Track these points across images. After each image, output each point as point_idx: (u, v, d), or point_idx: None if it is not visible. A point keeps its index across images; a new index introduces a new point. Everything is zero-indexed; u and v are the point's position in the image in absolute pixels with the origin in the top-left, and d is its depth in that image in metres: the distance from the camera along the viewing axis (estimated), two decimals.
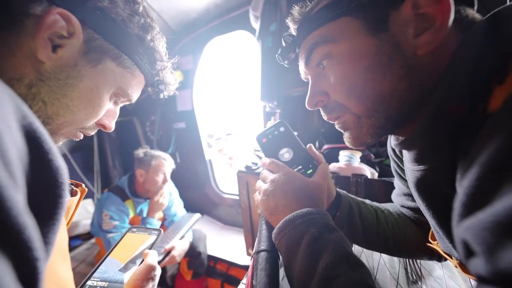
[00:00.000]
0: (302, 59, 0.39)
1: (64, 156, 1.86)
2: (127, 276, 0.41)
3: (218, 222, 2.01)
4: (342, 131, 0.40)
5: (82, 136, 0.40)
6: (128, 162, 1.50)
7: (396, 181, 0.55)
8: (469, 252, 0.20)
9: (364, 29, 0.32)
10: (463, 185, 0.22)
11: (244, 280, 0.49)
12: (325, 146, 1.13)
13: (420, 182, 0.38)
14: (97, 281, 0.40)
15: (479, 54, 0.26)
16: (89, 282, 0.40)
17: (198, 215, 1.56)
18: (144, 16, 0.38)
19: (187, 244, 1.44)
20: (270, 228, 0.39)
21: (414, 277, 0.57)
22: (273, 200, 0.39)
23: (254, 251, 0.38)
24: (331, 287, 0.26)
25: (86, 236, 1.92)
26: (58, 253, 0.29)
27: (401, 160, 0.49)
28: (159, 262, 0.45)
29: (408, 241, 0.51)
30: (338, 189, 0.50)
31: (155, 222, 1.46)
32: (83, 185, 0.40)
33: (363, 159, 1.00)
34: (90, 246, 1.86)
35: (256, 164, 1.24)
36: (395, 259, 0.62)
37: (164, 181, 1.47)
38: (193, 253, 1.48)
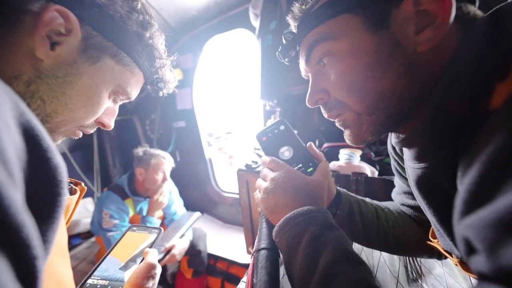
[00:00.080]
0: (302, 56, 0.39)
1: (64, 155, 1.86)
2: (127, 275, 0.41)
3: (218, 220, 2.01)
4: (342, 129, 0.39)
5: (81, 134, 0.40)
6: (128, 160, 1.50)
7: (396, 180, 0.55)
8: (470, 250, 0.20)
9: (364, 26, 0.32)
10: (464, 183, 0.22)
11: (245, 278, 0.49)
12: (325, 145, 1.13)
13: (421, 180, 0.38)
14: (98, 279, 0.40)
15: (480, 51, 0.26)
16: (89, 281, 0.40)
17: (198, 213, 1.56)
18: (142, 13, 0.38)
19: (187, 242, 1.44)
20: (270, 226, 0.39)
21: (414, 275, 0.57)
22: (273, 199, 0.39)
23: (254, 249, 0.38)
24: (331, 285, 0.26)
25: (87, 235, 1.92)
26: (57, 251, 0.29)
27: (401, 158, 0.49)
28: (159, 261, 0.45)
29: (408, 239, 0.51)
30: (338, 188, 0.50)
31: (155, 221, 1.46)
32: (83, 184, 0.40)
33: (363, 158, 1.00)
34: (91, 245, 1.87)
35: (256, 162, 1.24)
36: (395, 257, 0.63)
37: (164, 179, 1.47)
38: (193, 252, 1.48)
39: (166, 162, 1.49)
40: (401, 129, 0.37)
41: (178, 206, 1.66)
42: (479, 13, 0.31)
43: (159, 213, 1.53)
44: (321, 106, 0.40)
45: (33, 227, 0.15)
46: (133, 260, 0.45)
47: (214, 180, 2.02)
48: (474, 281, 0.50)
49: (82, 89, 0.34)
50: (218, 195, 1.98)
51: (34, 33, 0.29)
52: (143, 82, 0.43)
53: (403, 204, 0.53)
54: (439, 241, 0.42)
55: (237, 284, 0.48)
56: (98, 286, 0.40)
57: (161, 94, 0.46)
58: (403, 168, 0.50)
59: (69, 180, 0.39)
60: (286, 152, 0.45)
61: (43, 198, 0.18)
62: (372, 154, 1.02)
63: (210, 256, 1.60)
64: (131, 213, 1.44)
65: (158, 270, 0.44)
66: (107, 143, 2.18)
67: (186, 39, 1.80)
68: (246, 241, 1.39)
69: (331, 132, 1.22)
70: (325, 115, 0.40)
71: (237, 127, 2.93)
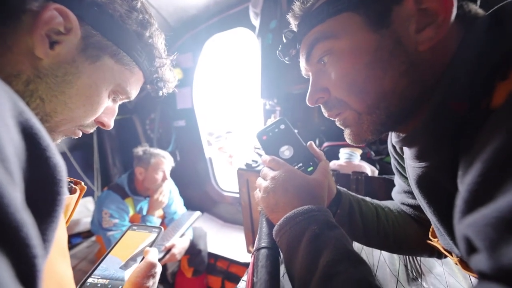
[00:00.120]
0: (303, 55, 0.39)
1: (64, 154, 1.86)
2: (128, 274, 0.42)
3: (218, 219, 2.02)
4: (342, 128, 0.39)
5: (80, 134, 0.40)
6: (128, 160, 1.51)
7: (397, 179, 0.55)
8: (471, 249, 0.20)
9: (365, 24, 0.31)
10: (465, 182, 0.22)
11: (245, 277, 0.49)
12: (326, 144, 1.13)
13: (421, 179, 0.38)
14: (98, 278, 0.40)
15: (482, 50, 0.26)
16: (90, 280, 0.40)
17: (198, 213, 1.56)
18: (142, 12, 0.38)
19: (187, 242, 1.45)
20: (270, 225, 0.39)
21: (414, 274, 0.57)
22: (274, 198, 0.38)
23: (254, 248, 0.38)
24: (332, 284, 0.26)
25: (87, 234, 1.93)
26: (57, 251, 0.29)
27: (402, 158, 0.49)
28: (159, 260, 0.45)
29: (408, 238, 0.51)
30: (338, 187, 0.50)
31: (155, 220, 1.46)
32: (82, 183, 0.40)
33: (364, 157, 1.00)
34: (91, 244, 1.87)
35: (256, 161, 1.24)
36: (395, 256, 0.63)
37: (164, 179, 1.47)
38: (193, 251, 1.48)
39: (166, 161, 1.49)
40: (401, 128, 0.37)
41: (178, 206, 1.66)
42: (480, 11, 0.31)
43: (159, 212, 1.53)
44: (321, 105, 0.40)
45: (32, 226, 0.15)
46: (133, 259, 0.45)
47: (214, 179, 2.02)
48: (474, 280, 0.50)
49: (81, 88, 0.34)
50: (218, 194, 1.98)
51: (33, 32, 0.29)
52: (142, 81, 0.43)
53: (403, 203, 0.53)
54: (439, 240, 0.42)
55: (237, 283, 0.48)
56: (99, 285, 0.40)
57: (161, 93, 0.46)
58: (403, 167, 0.50)
59: (69, 180, 0.39)
60: (286, 151, 0.45)
61: (43, 197, 0.18)
62: (372, 153, 1.02)
63: (211, 255, 1.60)
64: (131, 213, 1.44)
65: (159, 269, 0.44)
66: (107, 142, 2.18)
67: (186, 38, 1.80)
68: (246, 240, 1.39)
69: (331, 131, 1.22)
70: (325, 114, 0.40)
71: (237, 126, 2.93)
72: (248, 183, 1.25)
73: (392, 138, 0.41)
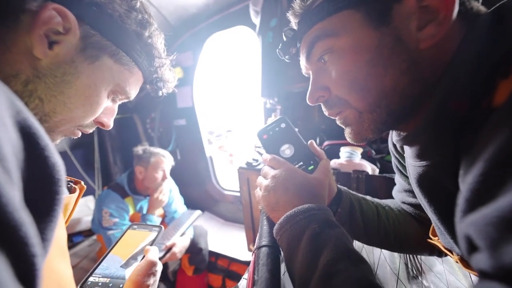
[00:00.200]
0: (303, 53, 0.39)
1: (65, 153, 1.86)
2: (128, 272, 0.42)
3: (219, 218, 2.02)
4: (343, 127, 0.39)
5: (80, 134, 0.40)
6: (129, 159, 1.51)
7: (397, 178, 0.55)
8: (472, 248, 0.20)
9: (365, 22, 0.31)
10: (467, 181, 0.22)
11: (246, 275, 0.49)
12: (326, 143, 1.13)
13: (422, 178, 0.38)
14: (99, 277, 0.41)
15: (483, 47, 0.26)
16: (91, 279, 0.40)
17: (198, 212, 1.56)
18: (141, 12, 0.38)
19: (188, 240, 1.45)
20: (271, 224, 0.39)
21: (415, 272, 0.58)
22: (274, 196, 0.38)
23: (255, 246, 0.38)
24: (332, 282, 0.26)
25: (88, 233, 1.94)
26: (57, 250, 0.29)
27: (402, 156, 0.49)
28: (160, 259, 0.45)
29: (409, 237, 0.51)
30: (339, 186, 0.50)
31: (155, 219, 1.46)
32: (82, 183, 0.40)
33: (364, 156, 1.00)
34: (92, 243, 1.88)
35: (256, 160, 1.24)
36: (396, 254, 0.63)
37: (164, 178, 1.47)
38: (194, 249, 1.49)
39: (166, 160, 1.49)
40: (402, 126, 0.36)
41: (178, 204, 1.66)
42: (482, 9, 0.30)
43: (159, 211, 1.54)
44: (321, 104, 0.40)
45: (31, 225, 0.15)
46: (134, 258, 0.45)
47: (215, 178, 2.03)
48: (474, 278, 0.50)
49: (80, 88, 0.34)
50: (219, 193, 1.98)
51: (32, 32, 0.29)
52: (142, 81, 0.43)
53: (403, 202, 0.53)
54: (439, 239, 0.42)
55: (238, 281, 0.48)
56: (100, 283, 0.40)
57: (160, 93, 0.46)
58: (404, 166, 0.50)
59: (68, 179, 0.39)
60: (287, 150, 0.45)
61: (41, 196, 0.18)
62: (373, 152, 1.02)
63: (211, 253, 1.60)
64: (131, 212, 1.44)
65: (159, 268, 0.44)
66: (108, 141, 2.18)
67: (186, 37, 1.80)
68: (247, 239, 1.39)
69: (331, 130, 1.22)
70: (326, 113, 0.40)
71: (237, 125, 2.94)
72: (249, 182, 1.25)
73: (393, 137, 0.41)
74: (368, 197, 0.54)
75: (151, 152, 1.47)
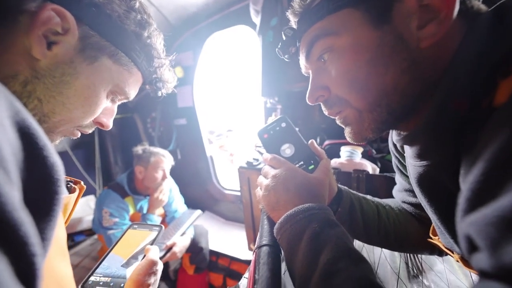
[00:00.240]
0: (302, 53, 0.39)
1: (66, 153, 1.86)
2: (129, 271, 0.42)
3: (219, 217, 2.03)
4: (343, 126, 0.39)
5: (79, 134, 0.40)
6: (130, 158, 1.51)
7: (397, 177, 0.55)
8: (472, 247, 0.20)
9: (366, 21, 0.31)
10: (467, 181, 0.22)
11: (247, 274, 0.49)
12: (326, 142, 1.13)
13: (422, 178, 0.38)
14: (100, 276, 0.41)
15: (484, 47, 0.26)
16: (92, 278, 0.40)
17: (199, 211, 1.57)
18: (140, 12, 0.37)
19: (188, 240, 1.45)
20: (271, 223, 0.39)
21: (415, 271, 0.58)
22: (275, 196, 0.38)
23: (256, 245, 0.38)
24: (332, 281, 0.26)
25: (90, 232, 1.94)
26: (56, 250, 0.29)
27: (403, 156, 0.49)
28: (160, 258, 0.45)
29: (410, 236, 0.51)
30: (339, 185, 0.50)
31: (155, 218, 1.46)
32: (82, 183, 0.40)
33: (365, 155, 1.00)
34: (94, 242, 1.89)
35: (257, 160, 1.24)
36: (396, 253, 0.63)
37: (164, 177, 1.47)
38: (195, 249, 1.49)
39: (166, 160, 1.49)
40: (403, 126, 0.36)
41: (179, 204, 1.66)
42: (483, 7, 0.30)
43: (159, 210, 1.54)
44: (321, 104, 0.40)
45: (31, 225, 0.15)
46: (134, 257, 0.45)
47: (216, 177, 2.03)
48: (475, 277, 0.50)
49: (79, 89, 0.34)
50: (219, 192, 1.98)
51: (31, 33, 0.29)
52: (141, 82, 0.43)
53: (404, 202, 0.53)
54: (440, 239, 0.42)
55: (239, 280, 0.48)
56: (101, 283, 0.40)
57: (160, 94, 0.46)
58: (404, 166, 0.50)
59: (68, 179, 0.39)
60: (287, 150, 0.45)
61: (41, 196, 0.18)
62: (374, 151, 1.02)
63: (212, 252, 1.61)
64: (132, 211, 1.45)
65: (160, 267, 0.44)
66: (109, 141, 2.19)
67: (186, 36, 1.80)
68: (248, 238, 1.40)
69: (332, 130, 1.22)
70: (326, 113, 0.40)
71: (238, 124, 2.94)
72: (249, 181, 1.25)
73: (393, 136, 0.41)
74: (369, 197, 0.54)
75: (151, 151, 1.46)
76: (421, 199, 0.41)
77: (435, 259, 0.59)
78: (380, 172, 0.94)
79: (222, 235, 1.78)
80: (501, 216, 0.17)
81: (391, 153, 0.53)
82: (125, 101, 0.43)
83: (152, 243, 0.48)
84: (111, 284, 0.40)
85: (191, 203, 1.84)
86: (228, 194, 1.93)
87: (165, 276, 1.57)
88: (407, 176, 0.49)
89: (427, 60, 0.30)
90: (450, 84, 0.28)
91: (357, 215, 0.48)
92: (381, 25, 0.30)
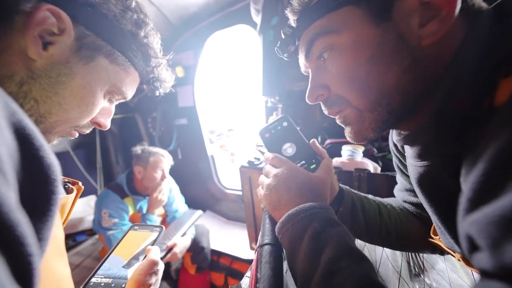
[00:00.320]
0: (302, 51, 0.38)
1: (67, 153, 1.87)
2: (130, 272, 0.42)
3: (220, 217, 2.03)
4: (343, 126, 0.39)
5: (77, 135, 0.40)
6: (131, 158, 1.51)
7: (398, 177, 0.55)
8: (473, 247, 0.20)
9: (367, 18, 0.31)
10: (469, 181, 0.22)
11: (248, 273, 0.49)
12: (328, 141, 1.13)
13: (423, 178, 0.37)
14: (102, 277, 0.41)
15: (485, 46, 0.26)
16: (93, 279, 0.41)
17: (199, 212, 1.56)
18: (137, 12, 0.37)
19: (189, 241, 1.45)
20: (273, 222, 0.39)
21: (417, 270, 0.57)
22: (276, 195, 0.38)
23: (258, 244, 0.38)
24: (334, 280, 0.26)
25: (91, 232, 1.95)
26: (54, 250, 0.29)
27: (403, 156, 0.49)
28: (161, 259, 0.45)
29: (411, 235, 0.51)
30: (340, 185, 0.50)
31: (155, 218, 1.46)
32: (80, 183, 0.40)
33: (366, 154, 1.00)
34: (95, 241, 1.90)
35: (258, 159, 1.24)
36: (398, 252, 0.63)
37: (163, 177, 1.46)
38: (196, 248, 1.49)
39: (165, 159, 1.48)
40: (403, 125, 0.36)
41: (179, 204, 1.66)
42: (484, 5, 0.30)
43: (160, 211, 1.54)
44: (321, 103, 0.39)
45: (27, 225, 0.15)
46: (135, 258, 0.45)
47: (217, 177, 2.03)
48: (476, 276, 0.50)
49: (75, 89, 0.34)
50: (220, 192, 1.98)
51: (26, 33, 0.29)
52: (138, 81, 0.42)
53: (405, 201, 0.53)
54: (440, 238, 0.42)
55: (240, 279, 0.48)
56: (102, 284, 0.40)
57: (157, 93, 0.45)
58: (405, 166, 0.49)
59: (66, 179, 0.39)
60: (289, 149, 0.45)
61: (38, 196, 0.18)
62: (375, 150, 1.01)
63: (214, 252, 1.61)
64: (131, 212, 1.44)
65: (161, 267, 0.44)
66: (110, 141, 2.19)
67: (187, 36, 1.80)
68: (249, 237, 1.40)
69: (333, 129, 1.21)
70: (326, 112, 0.39)
71: (238, 124, 2.94)
72: (251, 181, 1.25)
73: (393, 136, 0.41)
74: (370, 196, 0.54)
75: (149, 151, 1.46)
76: (422, 199, 0.41)
77: (436, 258, 0.59)
78: (381, 171, 0.94)
79: (223, 235, 1.79)
80: (502, 215, 0.17)
81: (392, 152, 0.52)
82: (122, 101, 0.42)
83: (153, 243, 0.48)
84: (113, 285, 0.40)
85: (192, 203, 1.85)
86: (229, 193, 1.93)
87: (166, 276, 1.57)
88: (408, 176, 0.49)
89: (428, 59, 0.30)
90: (452, 82, 0.28)
91: (358, 215, 0.48)
92: (382, 23, 0.30)
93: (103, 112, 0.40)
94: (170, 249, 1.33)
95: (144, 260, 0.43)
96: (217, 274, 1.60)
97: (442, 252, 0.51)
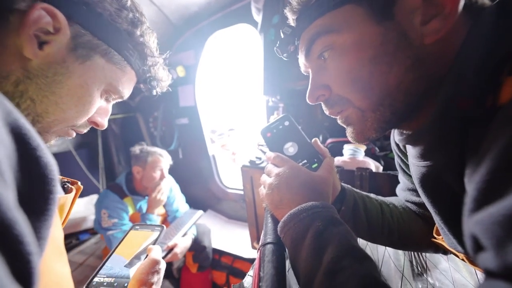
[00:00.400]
0: (302, 51, 0.38)
1: (70, 152, 1.88)
2: (132, 271, 0.42)
3: (222, 216, 2.03)
4: (344, 126, 0.39)
5: (74, 134, 0.40)
6: None
7: (400, 176, 0.54)
8: (477, 247, 0.20)
9: (368, 17, 0.30)
10: (473, 180, 0.21)
11: (251, 272, 0.49)
12: (329, 140, 1.12)
13: (425, 178, 0.37)
14: (104, 277, 0.41)
15: (488, 43, 0.25)
16: (96, 279, 0.41)
17: (200, 212, 1.56)
18: (132, 11, 0.37)
19: (190, 241, 1.45)
20: (275, 221, 0.39)
21: (420, 269, 0.57)
22: (278, 194, 0.38)
23: (260, 243, 0.38)
24: (336, 279, 0.26)
25: (94, 231, 1.97)
26: (53, 250, 0.29)
27: (405, 155, 0.48)
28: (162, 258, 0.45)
29: (413, 235, 0.51)
30: (342, 184, 0.49)
31: (155, 218, 1.46)
32: (79, 183, 0.40)
33: (368, 153, 0.99)
34: (98, 240, 1.91)
35: (260, 158, 1.24)
36: (400, 251, 0.62)
37: (162, 177, 1.46)
38: (198, 247, 1.50)
39: (163, 159, 1.48)
40: (406, 125, 0.36)
41: (180, 203, 1.66)
42: (486, 1, 0.30)
43: (160, 210, 1.54)
44: (322, 103, 0.39)
45: (25, 224, 0.15)
46: (137, 257, 0.46)
47: (218, 176, 2.03)
48: (480, 275, 0.50)
49: (72, 88, 0.34)
50: (222, 191, 1.99)
51: (22, 32, 0.29)
52: (135, 80, 0.42)
53: (407, 201, 0.53)
54: (443, 238, 0.42)
55: (242, 278, 0.48)
56: (105, 283, 0.40)
57: (154, 92, 0.45)
58: (407, 165, 0.49)
59: (65, 179, 0.39)
60: (290, 148, 0.45)
61: (35, 196, 0.18)
62: (377, 149, 1.01)
63: (215, 251, 1.61)
64: (131, 212, 1.44)
65: (162, 266, 0.44)
66: (112, 141, 2.20)
67: (188, 35, 1.80)
68: (251, 236, 1.40)
69: (335, 128, 1.21)
70: (327, 112, 0.39)
71: (240, 123, 2.94)
72: (252, 180, 1.25)
73: (395, 136, 0.40)
74: (372, 195, 0.53)
75: (148, 151, 1.45)
76: (424, 200, 0.40)
77: (439, 257, 0.59)
78: (383, 170, 0.94)
79: (224, 234, 1.79)
80: (507, 215, 0.16)
81: (394, 152, 0.52)
82: (119, 100, 0.42)
83: (154, 243, 0.48)
84: (115, 284, 0.40)
85: (194, 202, 1.85)
86: (231, 193, 1.93)
87: (168, 275, 1.58)
88: (410, 176, 0.49)
89: (431, 57, 0.29)
90: (455, 81, 0.27)
91: (360, 214, 0.48)
92: (384, 21, 0.30)
93: (100, 111, 0.40)
94: (171, 249, 1.33)
95: (146, 259, 0.43)
96: (219, 273, 1.61)
97: (445, 251, 0.50)
